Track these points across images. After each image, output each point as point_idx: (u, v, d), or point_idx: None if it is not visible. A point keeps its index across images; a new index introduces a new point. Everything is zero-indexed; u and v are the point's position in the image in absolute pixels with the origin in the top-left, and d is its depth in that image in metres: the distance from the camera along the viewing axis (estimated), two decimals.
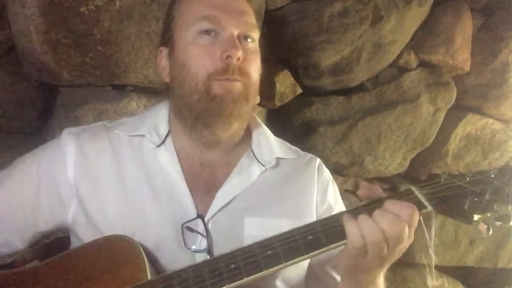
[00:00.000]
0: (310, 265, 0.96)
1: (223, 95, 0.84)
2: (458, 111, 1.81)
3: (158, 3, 1.24)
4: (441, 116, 1.73)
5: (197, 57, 0.86)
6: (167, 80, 0.92)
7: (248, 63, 0.87)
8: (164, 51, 0.92)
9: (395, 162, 1.72)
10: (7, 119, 1.30)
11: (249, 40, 0.88)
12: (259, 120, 1.04)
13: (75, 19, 1.19)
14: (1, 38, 1.25)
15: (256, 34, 0.90)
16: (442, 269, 1.97)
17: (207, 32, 0.86)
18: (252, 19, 0.91)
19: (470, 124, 1.81)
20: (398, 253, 0.73)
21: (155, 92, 1.34)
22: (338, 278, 0.95)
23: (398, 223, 0.70)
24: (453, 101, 1.73)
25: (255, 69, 0.89)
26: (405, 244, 0.72)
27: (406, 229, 0.70)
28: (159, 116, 0.94)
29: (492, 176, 0.78)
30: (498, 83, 1.77)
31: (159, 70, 0.95)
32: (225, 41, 0.85)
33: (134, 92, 1.34)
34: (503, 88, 1.77)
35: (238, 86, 0.85)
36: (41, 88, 1.32)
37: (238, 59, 0.84)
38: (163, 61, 0.92)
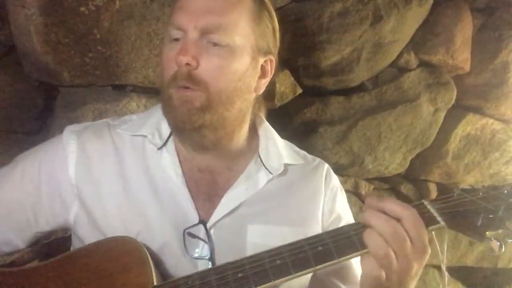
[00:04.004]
0: (314, 274, 0.93)
1: (177, 106, 0.81)
2: (458, 111, 1.80)
3: (158, 3, 1.24)
4: (441, 116, 1.72)
5: (163, 63, 0.85)
6: None
7: (204, 70, 0.80)
8: None
9: (395, 162, 1.72)
10: (7, 119, 1.29)
11: (213, 42, 0.81)
12: (267, 123, 1.01)
13: (75, 19, 1.19)
14: (1, 38, 1.25)
15: (224, 36, 0.80)
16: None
17: (176, 39, 0.83)
18: (219, 17, 0.80)
19: (470, 124, 1.81)
20: (424, 249, 0.69)
21: (155, 92, 1.33)
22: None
23: (408, 208, 0.69)
24: (453, 101, 1.73)
25: (218, 76, 0.81)
26: (425, 234, 0.69)
27: (418, 215, 0.69)
28: (163, 115, 0.91)
29: (505, 192, 0.77)
30: (498, 83, 1.76)
31: None
32: (180, 46, 0.81)
33: (134, 92, 1.33)
34: (503, 88, 1.77)
35: (192, 96, 0.80)
36: (41, 88, 1.32)
37: (188, 64, 0.79)
38: None
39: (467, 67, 1.72)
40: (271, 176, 0.92)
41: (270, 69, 0.92)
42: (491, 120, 1.83)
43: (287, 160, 0.96)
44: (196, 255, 0.83)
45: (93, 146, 0.90)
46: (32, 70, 1.27)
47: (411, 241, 0.68)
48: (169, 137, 0.92)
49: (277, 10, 1.48)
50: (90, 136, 0.91)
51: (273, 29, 0.91)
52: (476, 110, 1.83)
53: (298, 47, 1.49)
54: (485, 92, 1.79)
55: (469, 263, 2.00)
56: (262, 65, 0.90)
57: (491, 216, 0.72)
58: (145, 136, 0.92)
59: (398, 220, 0.68)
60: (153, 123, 0.93)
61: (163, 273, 0.82)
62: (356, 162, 1.66)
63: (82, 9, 1.19)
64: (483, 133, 1.83)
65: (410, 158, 1.75)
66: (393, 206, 0.69)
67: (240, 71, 0.84)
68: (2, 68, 1.27)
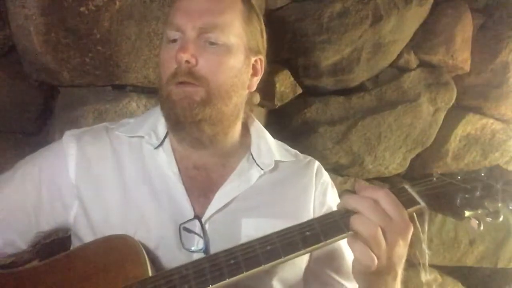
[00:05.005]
0: (309, 267, 0.96)
1: (177, 101, 0.85)
2: (458, 111, 1.80)
3: (158, 3, 1.24)
4: (441, 116, 1.73)
5: (162, 63, 0.89)
6: None
7: (204, 67, 0.84)
8: None
9: (395, 162, 1.72)
10: (7, 119, 1.30)
11: (211, 41, 0.85)
12: (258, 122, 1.05)
13: (75, 19, 1.19)
14: (1, 38, 1.25)
15: (221, 35, 0.85)
16: (442, 269, 1.97)
17: (174, 40, 0.87)
18: (216, 18, 0.85)
19: (470, 124, 1.81)
20: (406, 223, 0.72)
21: (155, 92, 1.34)
22: (342, 281, 0.96)
23: (380, 188, 0.73)
24: (453, 101, 1.73)
25: (218, 72, 0.85)
26: (404, 210, 0.72)
27: (390, 193, 0.72)
28: (159, 117, 0.94)
29: (482, 174, 0.80)
30: (498, 83, 1.77)
31: None
32: (179, 45, 0.85)
33: (134, 92, 1.33)
34: (503, 88, 1.77)
35: (192, 91, 0.84)
36: (41, 88, 1.33)
37: (187, 62, 0.83)
38: None
39: (467, 67, 1.73)
40: (262, 172, 0.95)
41: (260, 68, 0.97)
42: (491, 120, 1.83)
43: (278, 157, 0.99)
44: (192, 249, 0.86)
45: (92, 148, 0.93)
46: (32, 70, 1.27)
47: (391, 217, 0.71)
48: (165, 137, 0.95)
49: (277, 10, 1.49)
50: (89, 139, 0.94)
51: (261, 30, 0.97)
52: (476, 110, 1.83)
53: (298, 47, 1.50)
54: (485, 92, 1.79)
55: (469, 263, 2.00)
56: (253, 64, 0.94)
57: (469, 195, 0.75)
58: (142, 137, 0.94)
59: (375, 201, 0.72)
60: (150, 125, 0.96)
61: (159, 268, 0.84)
62: (356, 162, 1.66)
63: (82, 9, 1.19)
64: (483, 133, 1.83)
65: (410, 158, 1.76)
66: (366, 190, 0.73)
67: (236, 67, 0.89)
68: (2, 68, 1.27)
